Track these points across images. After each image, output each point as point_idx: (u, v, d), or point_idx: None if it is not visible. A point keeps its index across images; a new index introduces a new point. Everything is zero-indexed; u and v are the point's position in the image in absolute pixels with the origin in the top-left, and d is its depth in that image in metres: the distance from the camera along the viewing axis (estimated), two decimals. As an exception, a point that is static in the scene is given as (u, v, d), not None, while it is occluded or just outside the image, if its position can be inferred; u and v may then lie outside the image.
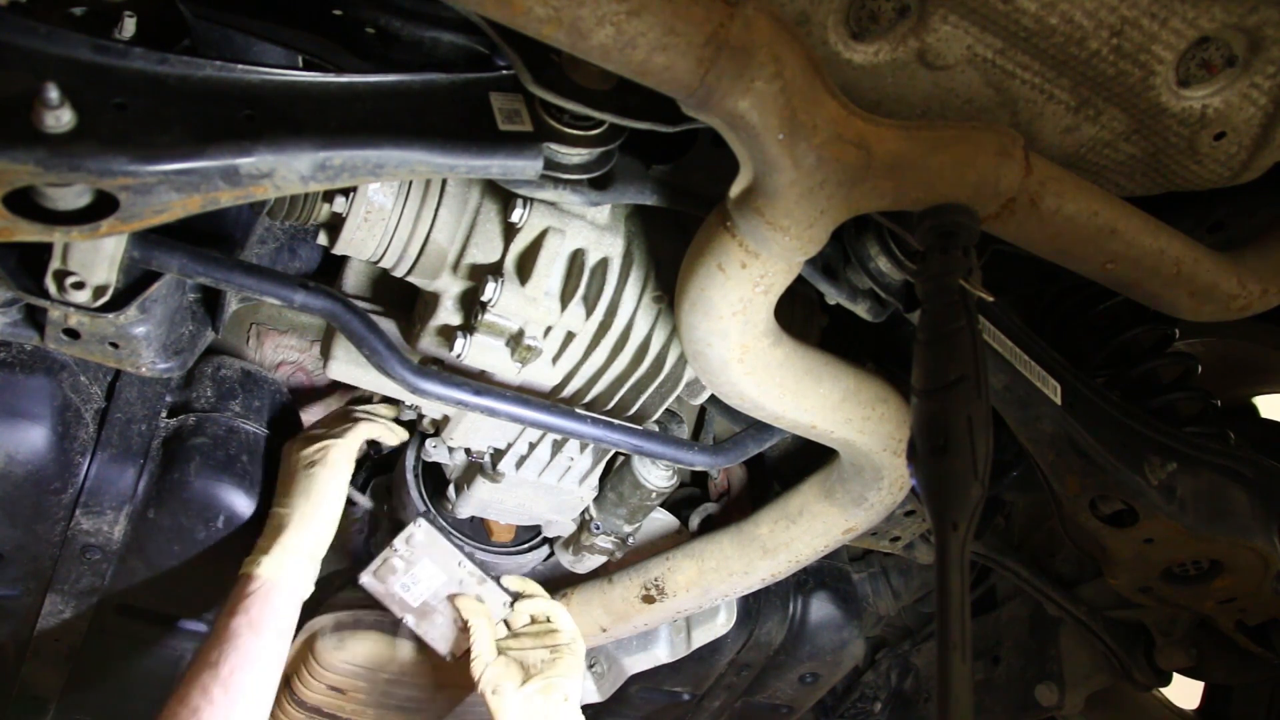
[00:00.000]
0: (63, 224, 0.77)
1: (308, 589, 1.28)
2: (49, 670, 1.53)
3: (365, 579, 1.41)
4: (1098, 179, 1.04)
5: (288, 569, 1.25)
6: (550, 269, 1.12)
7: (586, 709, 1.84)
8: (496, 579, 1.46)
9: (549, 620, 1.41)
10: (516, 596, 1.44)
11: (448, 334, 1.17)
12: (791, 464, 1.60)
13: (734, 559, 1.49)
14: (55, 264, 0.96)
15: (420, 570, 1.41)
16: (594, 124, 0.96)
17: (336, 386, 1.59)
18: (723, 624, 1.71)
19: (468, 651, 1.39)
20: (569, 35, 0.73)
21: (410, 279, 1.17)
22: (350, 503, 1.48)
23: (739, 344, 1.02)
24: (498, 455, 1.38)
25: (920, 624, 2.24)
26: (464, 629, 1.39)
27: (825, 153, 0.82)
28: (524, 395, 1.20)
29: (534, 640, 1.40)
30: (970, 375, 0.82)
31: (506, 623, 1.44)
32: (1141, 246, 1.00)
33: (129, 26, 0.90)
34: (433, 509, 1.50)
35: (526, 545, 1.67)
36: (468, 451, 1.43)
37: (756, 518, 1.47)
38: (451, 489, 1.51)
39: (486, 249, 1.13)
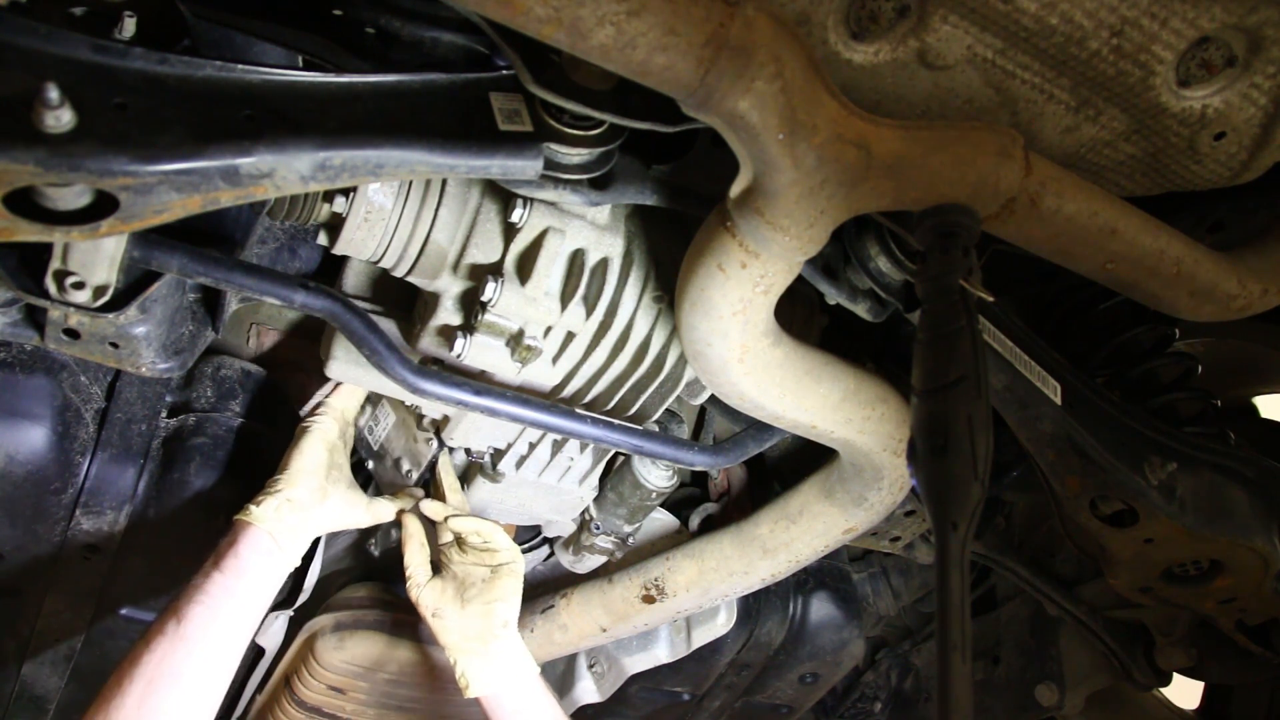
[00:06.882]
0: (63, 224, 0.77)
1: (284, 532, 1.25)
2: (49, 670, 1.53)
3: None
4: (1098, 179, 1.04)
5: (269, 515, 1.24)
6: (550, 269, 1.12)
7: (586, 709, 1.85)
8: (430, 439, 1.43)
9: (487, 541, 1.38)
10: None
11: (448, 334, 1.17)
12: (791, 464, 1.60)
13: (734, 559, 1.49)
14: (55, 264, 0.96)
15: (380, 411, 1.44)
16: (594, 124, 0.96)
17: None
18: (723, 624, 1.71)
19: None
20: (569, 35, 0.73)
21: (410, 279, 1.17)
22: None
23: (739, 344, 1.02)
24: (498, 455, 1.38)
25: (920, 624, 2.25)
26: (405, 493, 1.41)
27: (825, 153, 0.81)
28: (524, 395, 1.20)
29: (474, 557, 1.38)
30: (970, 375, 0.82)
31: (454, 535, 1.41)
32: (1141, 246, 1.00)
33: (129, 26, 0.90)
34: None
35: (526, 545, 1.67)
36: (468, 451, 1.43)
37: (756, 518, 1.47)
38: (451, 489, 1.51)
39: (486, 249, 1.13)
